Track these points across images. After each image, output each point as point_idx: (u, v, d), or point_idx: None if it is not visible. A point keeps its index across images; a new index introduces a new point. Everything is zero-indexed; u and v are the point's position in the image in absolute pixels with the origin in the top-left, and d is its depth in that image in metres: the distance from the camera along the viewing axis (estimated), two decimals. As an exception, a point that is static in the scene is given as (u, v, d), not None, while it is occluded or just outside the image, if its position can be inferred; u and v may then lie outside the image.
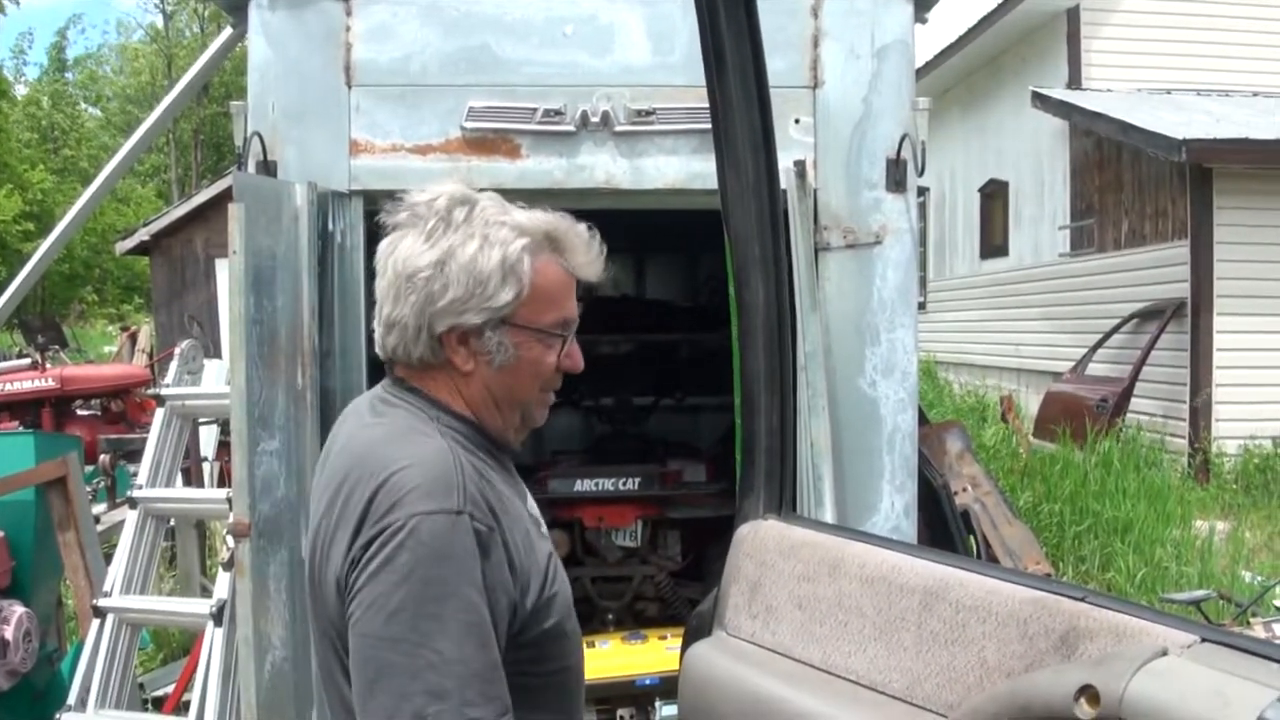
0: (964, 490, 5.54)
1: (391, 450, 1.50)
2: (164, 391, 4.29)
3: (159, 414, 4.24)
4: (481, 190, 1.63)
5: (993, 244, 14.27)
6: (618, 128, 3.84)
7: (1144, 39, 12.01)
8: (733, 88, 1.95)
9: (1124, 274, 10.90)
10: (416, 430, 1.55)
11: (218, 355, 8.74)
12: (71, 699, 3.76)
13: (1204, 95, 11.89)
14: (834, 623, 1.87)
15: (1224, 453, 9.56)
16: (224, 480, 6.76)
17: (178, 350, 4.52)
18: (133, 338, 17.48)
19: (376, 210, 1.63)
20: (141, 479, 4.11)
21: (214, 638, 3.68)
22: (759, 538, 2.09)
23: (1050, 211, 12.63)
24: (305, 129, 3.81)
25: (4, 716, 3.95)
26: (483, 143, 3.87)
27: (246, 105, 3.84)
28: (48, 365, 10.16)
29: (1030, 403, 11.75)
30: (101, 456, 6.53)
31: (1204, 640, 1.35)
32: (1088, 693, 1.28)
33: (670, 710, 3.89)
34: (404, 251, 1.55)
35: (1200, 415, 9.66)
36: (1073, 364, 10.88)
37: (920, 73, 7.75)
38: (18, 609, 3.92)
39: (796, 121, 3.88)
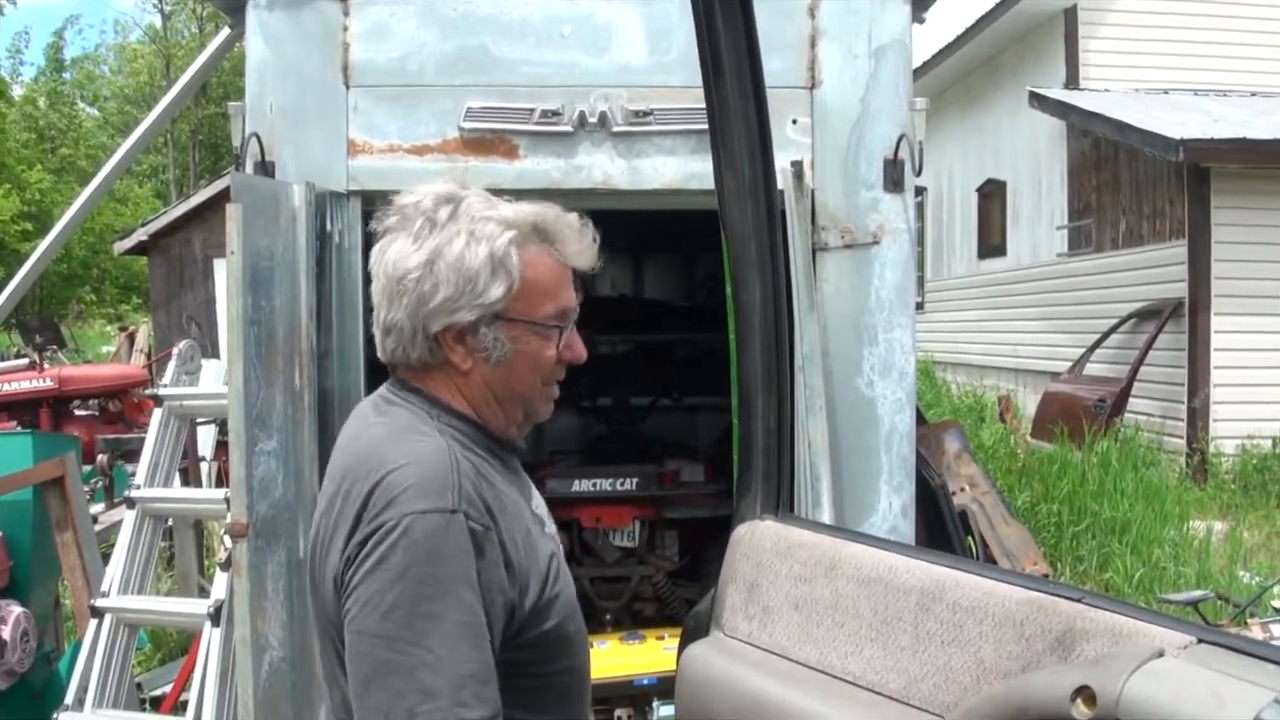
0: (962, 490, 5.54)
1: (389, 449, 1.50)
2: (162, 392, 4.28)
3: (157, 414, 4.23)
4: (494, 193, 1.63)
5: (990, 244, 14.27)
6: (615, 128, 3.85)
7: (1141, 39, 12.01)
8: (730, 88, 1.95)
9: (1122, 274, 10.90)
10: (416, 429, 1.55)
11: (216, 355, 8.76)
12: (69, 699, 3.76)
13: (1201, 95, 11.90)
14: (831, 623, 1.87)
15: (1221, 453, 9.56)
16: (222, 480, 6.75)
17: (176, 350, 4.51)
18: (131, 338, 17.47)
19: (374, 210, 1.63)
20: (139, 479, 4.11)
21: (211, 638, 3.68)
22: (756, 538, 2.09)
23: (1048, 211, 12.64)
24: (303, 129, 3.81)
25: (2, 716, 3.95)
26: (480, 143, 3.87)
27: (244, 106, 3.84)
28: (45, 365, 10.14)
29: (1028, 403, 11.75)
30: (99, 456, 6.53)
31: (1201, 641, 1.35)
32: (1084, 693, 1.28)
33: (667, 710, 3.89)
34: (394, 255, 1.55)
35: (1198, 415, 9.67)
36: (1070, 364, 10.89)
37: (918, 73, 7.77)
38: (15, 609, 3.92)
39: (794, 122, 3.88)
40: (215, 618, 3.68)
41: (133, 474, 4.39)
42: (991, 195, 14.26)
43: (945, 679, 1.65)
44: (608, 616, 5.13)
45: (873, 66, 3.91)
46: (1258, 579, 6.02)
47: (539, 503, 1.72)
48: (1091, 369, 10.58)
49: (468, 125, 3.84)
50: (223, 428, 6.10)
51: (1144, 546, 6.80)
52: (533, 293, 1.57)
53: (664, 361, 6.49)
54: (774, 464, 2.17)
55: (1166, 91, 11.90)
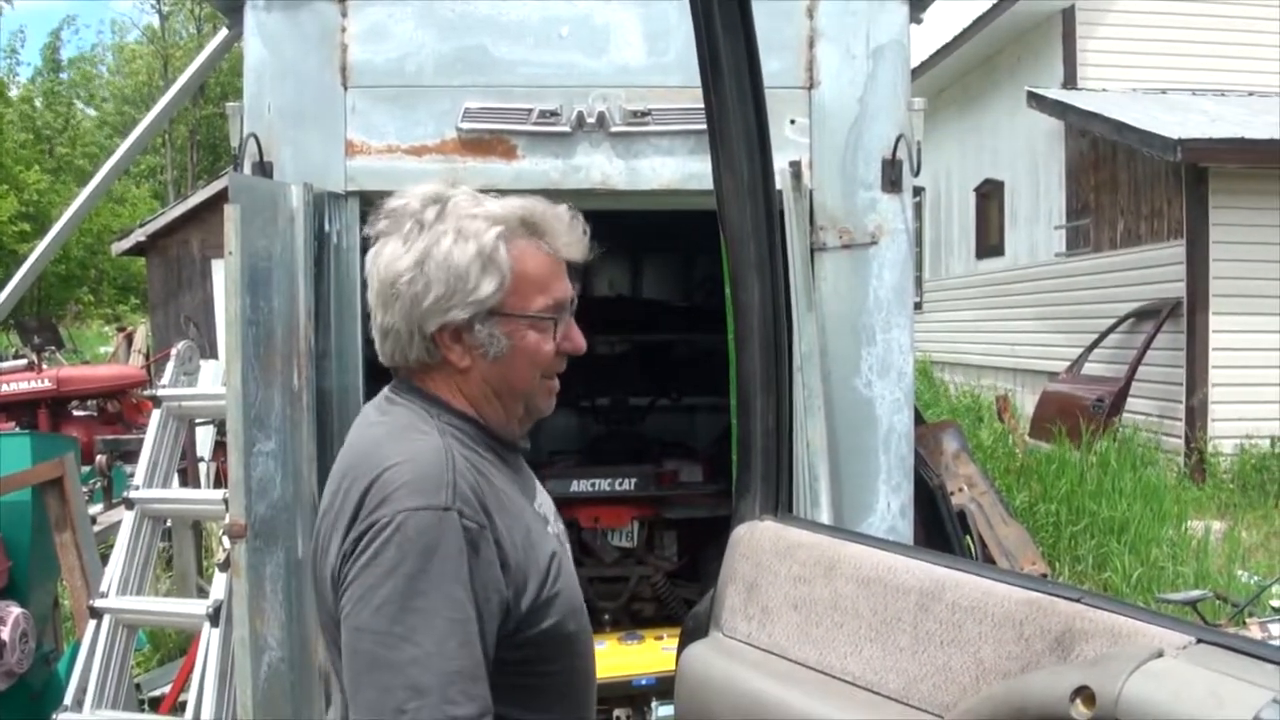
0: (960, 490, 5.54)
1: (387, 448, 1.52)
2: (160, 392, 4.28)
3: (155, 415, 4.23)
4: (482, 192, 1.64)
5: (988, 244, 14.28)
6: (613, 128, 3.85)
7: (1139, 39, 12.02)
8: (728, 89, 1.95)
9: (1120, 273, 10.91)
10: (415, 428, 1.56)
11: (214, 356, 8.76)
12: (68, 699, 3.76)
13: (1199, 95, 11.90)
14: (830, 624, 1.87)
15: (1220, 452, 9.57)
16: (220, 481, 6.76)
17: (174, 351, 4.51)
18: (129, 338, 17.47)
19: (372, 211, 1.64)
20: (138, 480, 4.11)
21: (210, 638, 3.68)
22: (755, 538, 2.09)
23: (1046, 211, 12.64)
24: (301, 130, 3.81)
25: (1, 717, 3.95)
26: (478, 144, 3.87)
27: (242, 106, 3.84)
28: (44, 366, 10.14)
29: (1026, 402, 11.76)
30: (98, 457, 6.54)
31: (1200, 641, 1.35)
32: (1083, 694, 1.28)
33: (666, 711, 3.89)
34: (386, 258, 1.56)
35: (1196, 415, 9.68)
36: (1069, 364, 10.89)
37: (915, 73, 7.77)
38: (14, 610, 3.92)
39: (792, 122, 3.88)
40: (214, 618, 3.68)
41: (131, 475, 4.38)
42: (989, 195, 14.26)
43: (944, 679, 1.65)
44: (606, 617, 5.13)
45: (871, 67, 3.91)
46: (1256, 578, 6.02)
47: (543, 501, 1.72)
48: (1090, 369, 10.59)
49: (466, 126, 3.84)
50: (221, 428, 6.11)
51: (1142, 546, 6.80)
52: (525, 286, 1.58)
53: (662, 362, 6.50)
54: (773, 464, 2.17)
55: (1164, 91, 11.91)
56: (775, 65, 3.71)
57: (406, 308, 1.55)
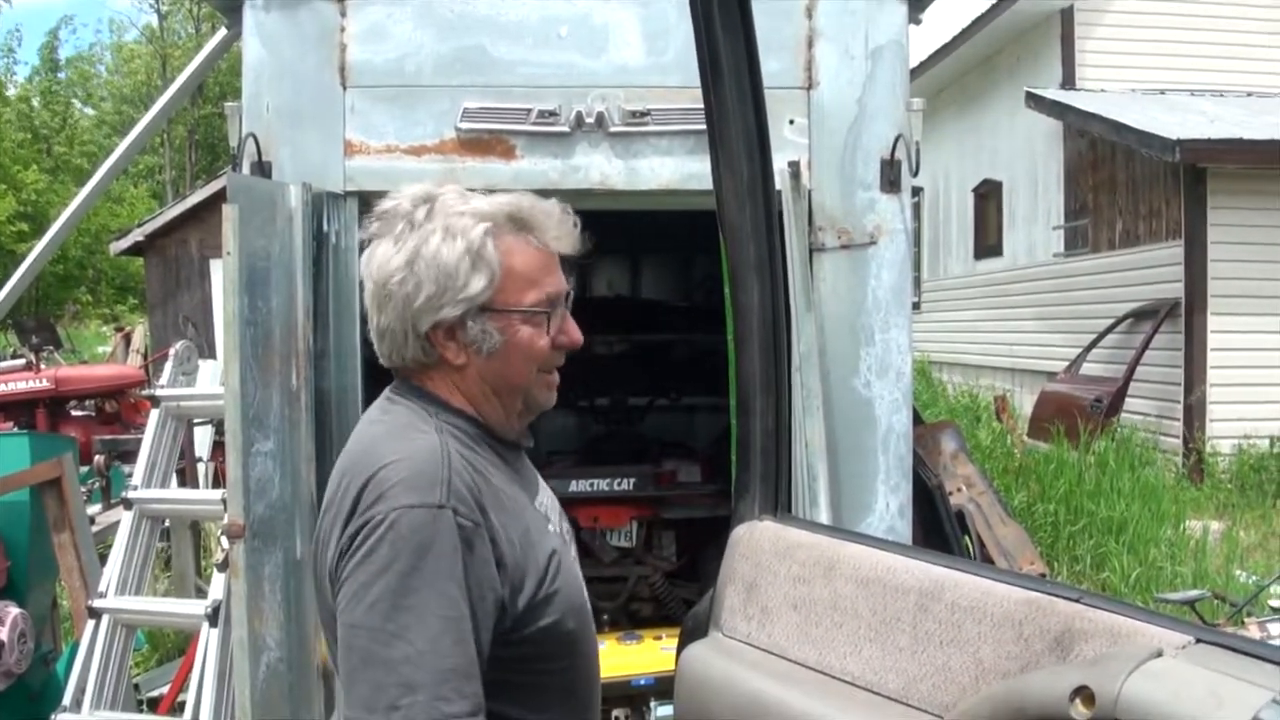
0: (958, 490, 5.54)
1: (385, 446, 1.53)
2: (159, 392, 4.27)
3: (154, 415, 4.22)
4: (471, 190, 1.64)
5: (987, 244, 14.28)
6: (612, 128, 3.85)
7: (1138, 39, 12.02)
8: (728, 89, 1.95)
9: (1118, 274, 10.91)
10: (413, 427, 1.57)
11: (212, 356, 8.74)
12: (66, 700, 3.75)
13: (1198, 95, 11.90)
14: (829, 624, 1.87)
15: (1218, 452, 9.57)
16: (219, 481, 6.75)
17: (172, 351, 4.50)
18: (127, 338, 17.43)
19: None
20: (136, 480, 4.10)
21: (209, 639, 3.67)
22: (754, 539, 2.09)
23: (1044, 211, 12.65)
24: (300, 130, 3.81)
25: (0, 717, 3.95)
26: (477, 143, 3.87)
27: (241, 106, 3.84)
28: (42, 366, 10.12)
29: (1025, 402, 11.76)
30: (96, 457, 6.53)
31: (1199, 641, 1.35)
32: (1083, 694, 1.28)
33: (665, 711, 3.89)
34: (378, 260, 1.57)
35: (1194, 415, 9.67)
36: (1067, 364, 10.89)
37: (914, 73, 7.77)
38: (13, 610, 3.91)
39: (791, 122, 3.88)
40: (212, 618, 3.68)
41: (130, 475, 4.38)
42: (988, 195, 14.27)
43: (944, 679, 1.65)
44: (605, 617, 5.13)
45: (869, 67, 3.91)
46: (1254, 578, 6.03)
47: (545, 500, 1.72)
48: (1088, 369, 10.59)
49: (465, 126, 3.84)
50: (219, 428, 6.10)
51: (1141, 546, 6.80)
52: (515, 281, 1.58)
53: (661, 362, 6.50)
54: (772, 464, 2.17)
55: (1163, 92, 11.91)
56: (774, 65, 3.71)
57: (400, 308, 1.56)
